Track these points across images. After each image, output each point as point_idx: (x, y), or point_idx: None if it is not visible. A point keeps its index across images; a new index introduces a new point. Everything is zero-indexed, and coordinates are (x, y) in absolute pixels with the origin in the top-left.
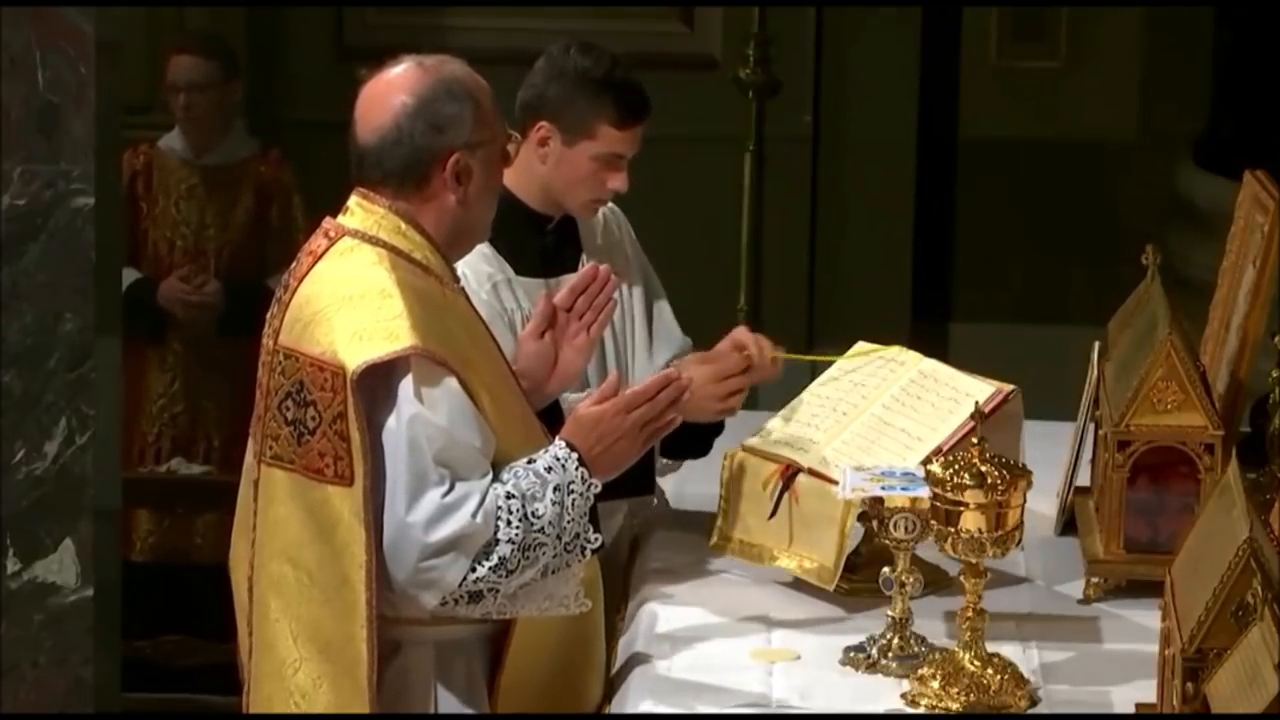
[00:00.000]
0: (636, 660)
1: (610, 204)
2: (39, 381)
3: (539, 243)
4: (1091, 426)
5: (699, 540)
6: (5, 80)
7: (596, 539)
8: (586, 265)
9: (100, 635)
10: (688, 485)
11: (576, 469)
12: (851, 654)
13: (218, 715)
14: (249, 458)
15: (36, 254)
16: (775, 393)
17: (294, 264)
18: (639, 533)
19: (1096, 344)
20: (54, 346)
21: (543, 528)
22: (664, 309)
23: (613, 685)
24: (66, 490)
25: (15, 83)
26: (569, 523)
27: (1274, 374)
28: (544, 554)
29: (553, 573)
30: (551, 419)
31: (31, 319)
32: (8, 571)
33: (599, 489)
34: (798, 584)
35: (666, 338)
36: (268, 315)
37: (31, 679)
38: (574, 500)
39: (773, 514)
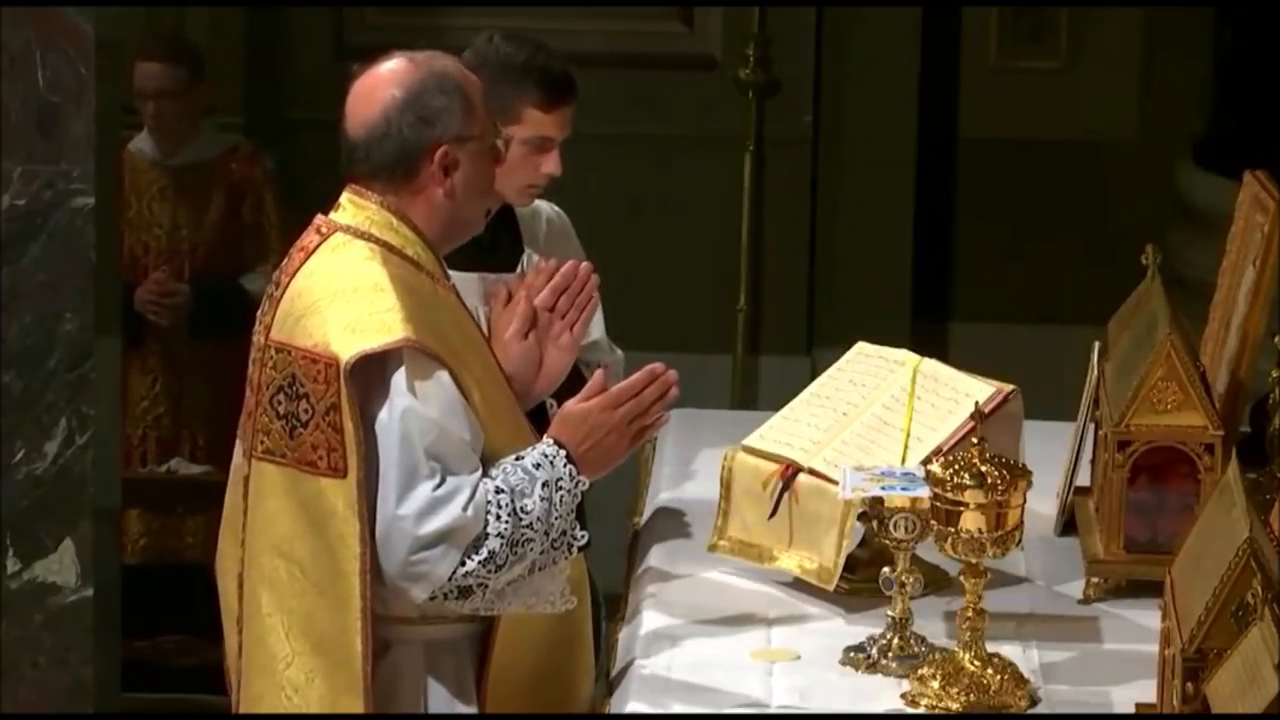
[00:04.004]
0: (636, 660)
1: (556, 207)
2: (39, 381)
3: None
4: (1091, 426)
5: (699, 540)
6: (5, 80)
7: (583, 536)
8: (540, 262)
9: (100, 635)
10: (688, 485)
11: (565, 466)
12: (851, 654)
13: (217, 715)
14: (237, 457)
15: (36, 254)
16: (775, 393)
17: (285, 260)
18: (639, 532)
19: (1096, 344)
20: (54, 346)
21: (531, 524)
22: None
23: (612, 685)
24: (66, 490)
25: (15, 83)
26: (556, 519)
27: (1274, 374)
28: (532, 550)
29: (540, 569)
30: (538, 422)
31: (31, 319)
32: (8, 571)
33: (587, 486)
34: (798, 584)
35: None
36: (259, 312)
37: (31, 679)
38: (562, 497)
39: (773, 514)
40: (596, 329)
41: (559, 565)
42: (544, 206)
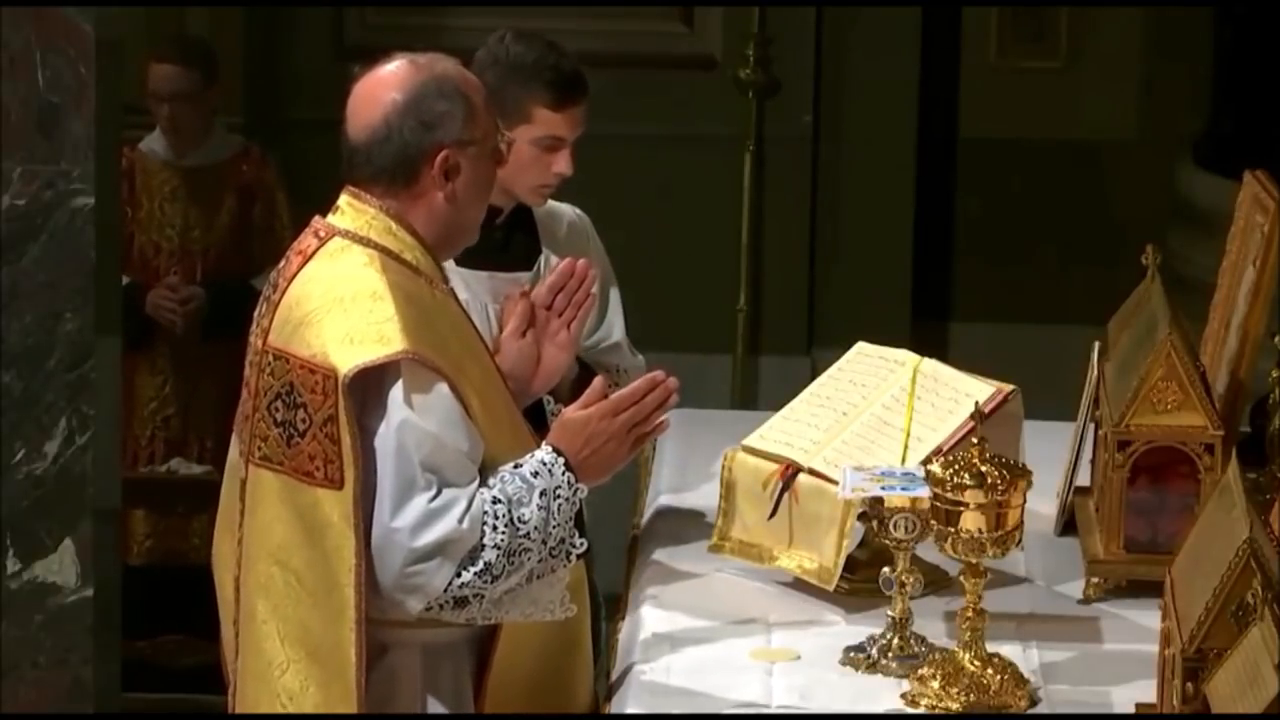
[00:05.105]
0: (636, 660)
1: (578, 210)
2: (39, 381)
3: (485, 234)
4: (1091, 426)
5: (699, 540)
6: (5, 80)
7: (582, 544)
8: (555, 262)
9: (100, 635)
10: (688, 485)
11: (563, 474)
12: (851, 654)
13: (217, 715)
14: (233, 455)
15: (36, 254)
16: (775, 393)
17: (282, 263)
18: (639, 533)
19: (1096, 344)
20: (54, 346)
21: (528, 533)
22: (615, 319)
23: (612, 686)
24: (66, 490)
25: (15, 83)
26: (555, 528)
27: (1274, 374)
28: (529, 559)
29: (538, 578)
30: (536, 421)
31: (31, 319)
32: (8, 571)
33: (585, 494)
34: (798, 584)
35: (605, 333)
36: (255, 314)
37: (31, 679)
38: (560, 505)
39: (773, 514)
40: (617, 331)
41: (557, 574)
42: (565, 209)
